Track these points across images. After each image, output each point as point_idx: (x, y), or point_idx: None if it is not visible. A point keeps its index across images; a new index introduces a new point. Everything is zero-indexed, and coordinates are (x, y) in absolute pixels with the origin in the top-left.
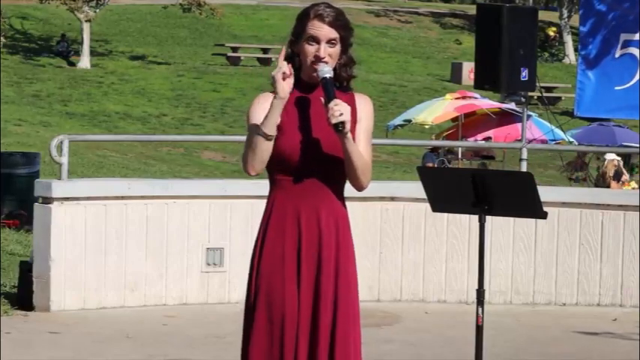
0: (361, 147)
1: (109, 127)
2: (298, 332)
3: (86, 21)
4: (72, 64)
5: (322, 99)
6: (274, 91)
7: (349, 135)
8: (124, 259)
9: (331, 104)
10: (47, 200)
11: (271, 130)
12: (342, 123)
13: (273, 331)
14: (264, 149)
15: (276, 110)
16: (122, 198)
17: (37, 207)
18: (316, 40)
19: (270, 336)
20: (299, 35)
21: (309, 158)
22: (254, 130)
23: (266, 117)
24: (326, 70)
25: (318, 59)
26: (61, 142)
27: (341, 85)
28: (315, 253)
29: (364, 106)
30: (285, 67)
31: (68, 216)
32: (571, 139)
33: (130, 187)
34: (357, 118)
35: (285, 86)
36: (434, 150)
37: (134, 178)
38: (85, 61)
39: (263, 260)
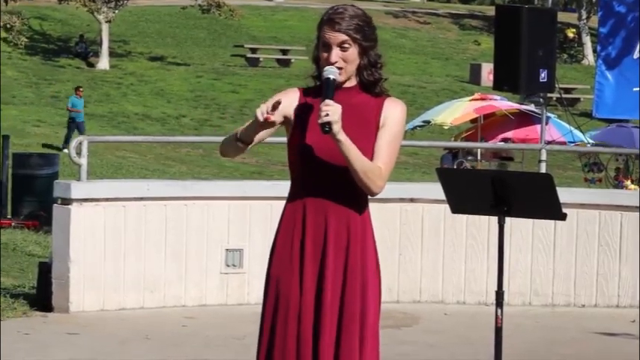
0: (380, 151)
1: (128, 128)
2: (301, 337)
3: (105, 22)
4: (91, 65)
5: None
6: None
7: (340, 137)
8: (143, 260)
9: (321, 105)
10: (66, 201)
11: (243, 136)
12: (328, 124)
13: (277, 335)
14: (235, 149)
15: (253, 126)
16: (141, 199)
17: (56, 208)
18: (328, 46)
19: (274, 339)
20: (318, 40)
21: (318, 161)
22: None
23: (247, 125)
24: (330, 71)
25: (329, 64)
26: (80, 143)
27: (367, 89)
28: (317, 257)
29: (392, 110)
30: (264, 108)
31: (87, 217)
32: (590, 140)
33: (149, 188)
34: (381, 123)
35: (261, 120)
36: (452, 151)
37: (153, 179)
38: (104, 62)
39: (273, 262)
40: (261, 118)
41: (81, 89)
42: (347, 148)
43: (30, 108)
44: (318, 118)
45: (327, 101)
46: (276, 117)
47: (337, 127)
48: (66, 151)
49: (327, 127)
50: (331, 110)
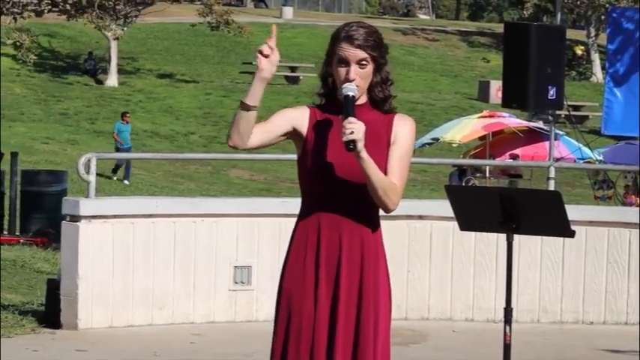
0: (393, 168)
1: (137, 146)
2: (314, 354)
3: (114, 39)
4: (99, 82)
5: (342, 117)
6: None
7: (362, 154)
8: (152, 277)
9: (345, 122)
10: (75, 218)
11: (250, 100)
12: (353, 141)
13: (289, 351)
14: (243, 119)
15: (256, 82)
16: (150, 216)
17: (65, 225)
18: (346, 62)
19: (286, 355)
20: (331, 56)
21: (333, 178)
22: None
23: (249, 89)
24: (349, 89)
25: (347, 81)
26: (89, 160)
27: (377, 106)
28: (331, 275)
29: (402, 127)
30: (265, 46)
31: (96, 234)
32: (599, 158)
33: (158, 205)
34: (392, 140)
35: (264, 61)
36: (460, 168)
37: (162, 196)
38: (112, 79)
39: (285, 277)
40: (266, 51)
41: (127, 115)
42: (368, 165)
43: (38, 125)
44: (342, 136)
45: (351, 119)
46: (284, 125)
47: (361, 145)
48: (115, 178)
49: (351, 145)
50: (355, 128)
